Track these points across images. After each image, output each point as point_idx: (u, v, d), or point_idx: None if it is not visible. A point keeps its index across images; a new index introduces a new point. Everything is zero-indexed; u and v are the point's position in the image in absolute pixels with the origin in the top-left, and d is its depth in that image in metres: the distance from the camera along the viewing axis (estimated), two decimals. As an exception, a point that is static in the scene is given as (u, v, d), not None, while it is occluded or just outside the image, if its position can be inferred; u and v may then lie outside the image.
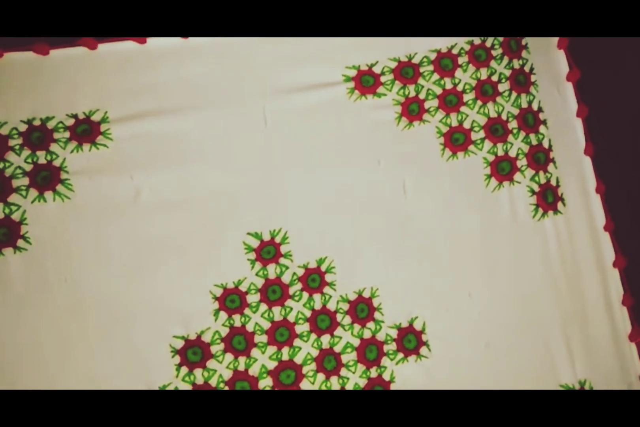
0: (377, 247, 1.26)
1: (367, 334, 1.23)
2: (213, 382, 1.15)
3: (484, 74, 1.35)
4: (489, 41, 1.36)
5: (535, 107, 1.36)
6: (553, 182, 1.35)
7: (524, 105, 1.36)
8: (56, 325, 1.12)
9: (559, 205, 1.35)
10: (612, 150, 1.41)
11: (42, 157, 1.16)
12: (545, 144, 1.36)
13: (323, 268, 1.23)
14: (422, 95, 1.32)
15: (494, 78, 1.35)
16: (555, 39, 1.41)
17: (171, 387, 1.14)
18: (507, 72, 1.35)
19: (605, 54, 1.45)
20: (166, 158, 1.20)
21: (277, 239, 1.23)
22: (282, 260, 1.23)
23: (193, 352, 1.15)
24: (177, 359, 1.15)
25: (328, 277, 1.24)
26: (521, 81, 1.36)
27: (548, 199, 1.34)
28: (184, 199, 1.19)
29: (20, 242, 1.13)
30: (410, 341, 1.24)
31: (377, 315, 1.24)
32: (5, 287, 1.10)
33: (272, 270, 1.22)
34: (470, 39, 1.35)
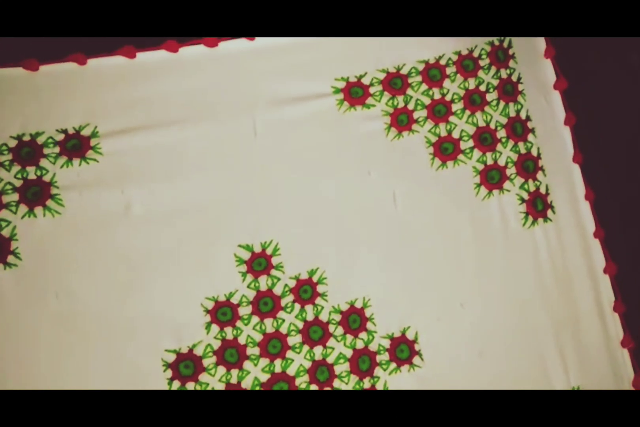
0: (369, 258, 1.28)
1: (359, 345, 1.24)
2: (206, 396, 1.16)
3: (472, 83, 1.37)
4: (477, 51, 1.39)
5: (523, 116, 1.39)
6: (542, 190, 1.37)
7: (512, 114, 1.38)
8: (48, 339, 1.13)
9: (549, 212, 1.37)
10: (600, 157, 1.44)
11: (32, 172, 1.17)
12: (534, 152, 1.38)
13: (315, 279, 1.25)
14: (410, 106, 1.35)
15: (482, 88, 1.38)
16: (542, 48, 1.44)
17: (164, 402, 1.15)
18: (495, 82, 1.38)
19: (591, 63, 1.48)
20: (156, 171, 1.22)
21: (268, 251, 1.24)
22: (273, 272, 1.24)
23: (185, 365, 1.16)
24: (169, 373, 1.16)
25: (320, 288, 1.25)
26: (509, 90, 1.38)
27: (538, 206, 1.36)
28: (175, 212, 1.21)
29: (10, 258, 1.14)
30: (403, 350, 1.26)
31: (369, 325, 1.26)
32: (-5, 306, 1.11)
33: (263, 282, 1.23)
34: (457, 49, 1.38)
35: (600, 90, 1.47)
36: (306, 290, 1.24)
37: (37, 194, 1.16)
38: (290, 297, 1.23)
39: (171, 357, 1.16)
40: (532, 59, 1.42)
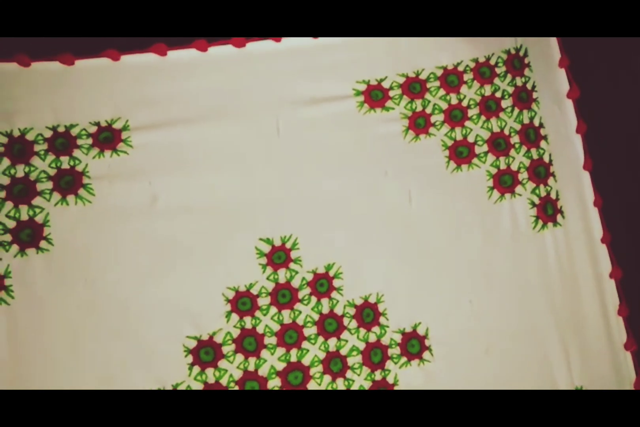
0: (383, 255, 1.36)
1: (372, 338, 1.32)
2: (224, 382, 1.24)
3: (488, 90, 1.45)
4: (493, 59, 1.47)
5: (536, 123, 1.46)
6: (553, 195, 1.44)
7: (526, 121, 1.46)
8: (74, 323, 1.20)
9: (559, 217, 1.44)
10: (609, 165, 1.51)
11: (65, 162, 1.25)
12: (546, 159, 1.46)
13: (331, 273, 1.33)
14: (428, 110, 1.43)
15: (498, 94, 1.45)
16: (557, 58, 1.52)
17: (183, 386, 1.22)
18: (510, 89, 1.46)
19: (603, 73, 1.56)
20: (183, 165, 1.29)
21: (288, 245, 1.32)
22: (292, 265, 1.32)
23: (205, 352, 1.24)
24: (190, 358, 1.23)
25: (336, 283, 1.33)
26: (523, 98, 1.46)
27: (548, 211, 1.44)
28: (200, 204, 1.29)
29: (42, 243, 1.21)
30: (414, 345, 1.33)
31: (382, 320, 1.33)
32: (27, 285, 1.18)
33: (282, 274, 1.31)
34: (475, 56, 1.46)
35: (611, 100, 1.54)
36: (322, 284, 1.31)
37: (69, 183, 1.24)
38: (307, 290, 1.31)
39: (192, 344, 1.24)
40: (547, 68, 1.50)
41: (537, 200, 1.43)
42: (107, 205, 1.24)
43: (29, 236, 1.20)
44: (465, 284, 1.37)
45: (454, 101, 1.43)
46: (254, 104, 1.34)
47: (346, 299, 1.32)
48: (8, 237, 1.19)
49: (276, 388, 1.26)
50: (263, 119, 1.34)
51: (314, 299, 1.30)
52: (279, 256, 1.30)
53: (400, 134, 1.40)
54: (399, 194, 1.38)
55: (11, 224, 1.20)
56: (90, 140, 1.26)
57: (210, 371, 1.23)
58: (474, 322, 1.36)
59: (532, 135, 1.44)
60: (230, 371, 1.25)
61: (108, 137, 1.27)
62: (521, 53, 1.47)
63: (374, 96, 1.40)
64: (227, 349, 1.25)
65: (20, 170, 1.22)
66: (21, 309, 1.17)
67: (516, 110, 1.45)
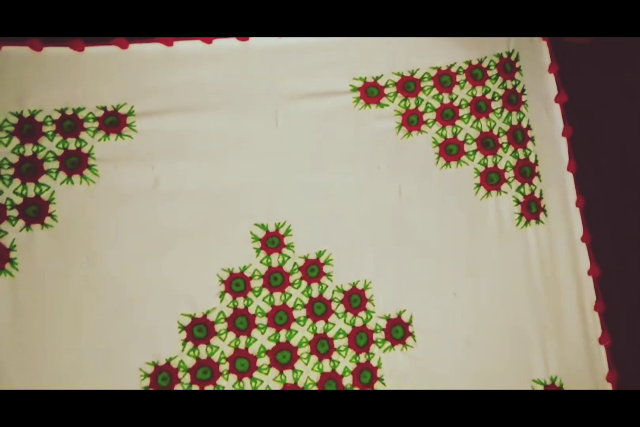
0: (372, 244, 1.47)
1: (358, 323, 1.43)
2: (215, 358, 1.34)
3: (479, 91, 1.57)
4: (486, 62, 1.60)
5: (524, 124, 1.59)
6: (537, 194, 1.57)
7: (514, 122, 1.58)
8: (74, 298, 1.30)
9: (541, 215, 1.57)
10: (593, 167, 1.64)
11: (72, 143, 1.35)
12: (532, 159, 1.59)
13: (322, 260, 1.44)
14: (421, 108, 1.55)
15: (488, 96, 1.58)
16: (547, 64, 1.64)
17: (176, 360, 1.33)
18: (501, 92, 1.58)
19: (591, 80, 1.69)
20: (184, 152, 1.40)
21: (281, 231, 1.43)
22: (284, 250, 1.43)
23: (199, 329, 1.34)
24: (184, 334, 1.34)
25: (326, 269, 1.44)
26: (513, 100, 1.59)
27: (532, 209, 1.56)
28: (199, 190, 1.39)
29: (47, 220, 1.32)
30: (398, 331, 1.44)
31: (368, 306, 1.44)
32: (31, 259, 1.28)
33: (275, 259, 1.42)
34: (468, 59, 1.59)
35: (598, 105, 1.67)
36: (313, 269, 1.42)
37: (75, 164, 1.34)
38: (298, 275, 1.42)
39: (186, 321, 1.34)
40: (537, 72, 1.62)
41: (521, 198, 1.55)
42: (110, 187, 1.35)
43: (35, 212, 1.30)
44: (451, 276, 1.49)
45: (446, 100, 1.55)
46: (255, 96, 1.45)
47: (335, 284, 1.43)
48: (15, 213, 1.29)
49: (265, 366, 1.37)
50: (263, 110, 1.45)
51: (304, 283, 1.42)
52: (272, 241, 1.41)
53: (394, 130, 1.52)
54: (389, 187, 1.49)
55: (18, 200, 1.30)
56: (96, 124, 1.37)
57: (202, 347, 1.34)
58: (457, 314, 1.48)
59: (519, 136, 1.57)
60: (221, 348, 1.35)
61: (114, 122, 1.37)
62: (513, 57, 1.60)
63: (370, 93, 1.52)
64: (220, 327, 1.35)
65: (28, 150, 1.32)
66: (25, 282, 1.27)
67: (505, 112, 1.57)
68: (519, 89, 1.59)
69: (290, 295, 1.41)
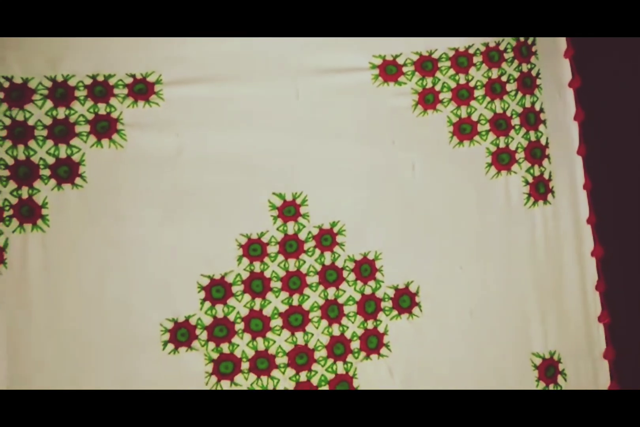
0: (384, 217, 1.57)
1: (368, 291, 1.54)
2: (231, 317, 1.46)
3: (495, 73, 1.66)
4: (503, 44, 1.68)
5: (537, 107, 1.67)
6: (546, 176, 1.66)
7: (528, 105, 1.67)
8: (100, 256, 1.41)
9: (549, 196, 1.66)
10: (602, 151, 1.72)
11: (102, 108, 1.46)
12: (543, 141, 1.67)
13: (335, 230, 1.54)
14: (438, 87, 1.64)
15: (504, 78, 1.66)
16: (563, 48, 1.72)
17: (194, 318, 1.44)
18: (516, 74, 1.67)
19: (605, 66, 1.77)
20: (209, 120, 1.50)
21: (298, 201, 1.54)
22: (300, 219, 1.53)
23: (217, 289, 1.46)
24: (203, 294, 1.45)
25: (339, 238, 1.55)
26: (527, 83, 1.67)
27: (540, 190, 1.66)
28: (221, 158, 1.49)
29: (77, 180, 1.42)
30: (405, 300, 1.55)
31: (378, 275, 1.55)
32: (61, 216, 1.39)
33: (291, 227, 1.52)
34: (486, 41, 1.67)
35: (610, 91, 1.75)
36: (327, 238, 1.53)
37: (105, 128, 1.44)
38: (312, 243, 1.53)
39: (205, 281, 1.46)
40: (552, 57, 1.70)
41: (530, 179, 1.64)
42: (137, 151, 1.45)
43: (66, 172, 1.41)
44: (458, 251, 1.59)
45: (462, 81, 1.64)
46: (279, 69, 1.55)
47: (347, 254, 1.54)
48: (47, 172, 1.40)
49: (277, 328, 1.48)
50: (285, 83, 1.55)
51: (317, 251, 1.52)
52: (289, 210, 1.52)
53: (410, 108, 1.61)
54: (403, 162, 1.59)
55: (50, 160, 1.41)
56: (125, 91, 1.47)
57: (219, 307, 1.45)
58: (462, 286, 1.58)
59: (532, 118, 1.65)
60: (237, 309, 1.47)
61: (142, 89, 1.47)
62: (529, 41, 1.68)
63: (389, 71, 1.60)
64: (237, 288, 1.47)
65: (61, 113, 1.42)
66: (55, 238, 1.38)
67: (519, 94, 1.66)
68: (534, 73, 1.67)
69: (304, 262, 1.51)
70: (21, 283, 1.36)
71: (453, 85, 1.63)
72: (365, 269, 1.54)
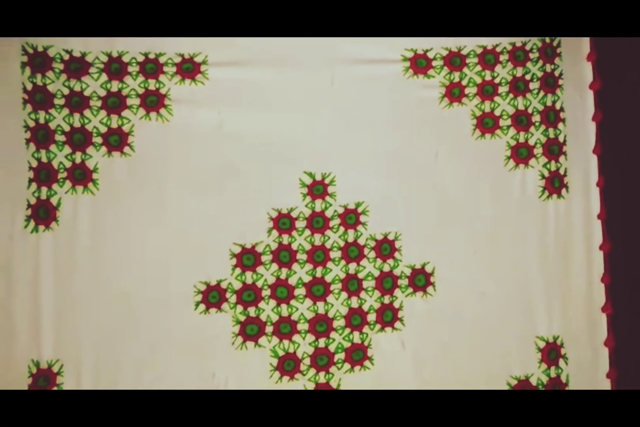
0: (406, 201, 1.73)
1: (386, 268, 1.71)
2: (259, 284, 1.63)
3: (519, 72, 1.82)
4: (529, 45, 1.84)
5: (558, 106, 1.83)
6: (561, 172, 1.82)
7: (549, 103, 1.83)
8: (142, 219, 1.58)
9: (563, 191, 1.82)
10: (617, 152, 1.87)
11: (152, 84, 1.63)
12: (561, 139, 1.83)
13: (359, 210, 1.72)
14: (464, 82, 1.80)
15: (528, 77, 1.82)
16: (586, 52, 1.88)
17: (225, 283, 1.62)
18: (539, 74, 1.83)
19: (625, 70, 1.93)
20: (249, 100, 1.66)
21: (327, 181, 1.71)
22: (327, 198, 1.71)
23: (247, 258, 1.63)
24: (234, 261, 1.63)
25: (362, 218, 1.72)
26: (550, 83, 1.83)
27: (555, 184, 1.82)
28: (259, 136, 1.66)
29: (126, 149, 1.60)
30: (420, 280, 1.72)
31: (397, 254, 1.72)
32: (110, 182, 1.57)
33: (318, 204, 1.70)
34: (513, 40, 1.83)
35: (628, 94, 1.90)
36: (351, 217, 1.70)
37: (153, 102, 1.62)
38: (337, 221, 1.70)
39: (237, 249, 1.63)
40: (575, 59, 1.85)
41: (546, 174, 1.80)
42: (181, 125, 1.62)
43: (116, 141, 1.59)
44: (473, 236, 1.75)
45: (488, 77, 1.80)
46: (317, 57, 1.71)
47: (369, 233, 1.71)
48: (99, 140, 1.58)
49: (301, 296, 1.65)
50: (322, 71, 1.71)
51: (342, 228, 1.69)
52: (318, 188, 1.69)
53: (437, 100, 1.77)
54: (427, 151, 1.75)
55: (103, 129, 1.59)
56: (174, 69, 1.64)
57: (249, 274, 1.63)
58: (475, 270, 1.74)
59: (552, 116, 1.81)
60: (265, 277, 1.64)
61: (189, 68, 1.64)
62: (555, 43, 1.84)
63: (419, 64, 1.77)
64: (265, 258, 1.64)
65: (114, 86, 1.60)
66: (103, 201, 1.56)
67: (541, 93, 1.82)
68: (557, 73, 1.83)
69: (329, 237, 1.69)
70: (70, 240, 1.53)
71: (479, 80, 1.79)
72: (385, 248, 1.71)
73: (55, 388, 1.51)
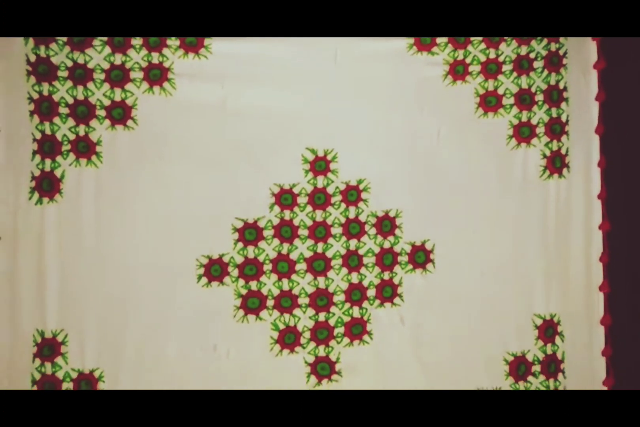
0: (408, 178, 1.77)
1: (386, 245, 1.76)
2: (261, 258, 1.68)
3: (524, 50, 1.84)
4: (534, 23, 1.87)
5: (561, 86, 1.86)
6: (563, 151, 1.86)
7: (552, 82, 1.86)
8: (146, 192, 1.62)
9: (564, 171, 1.86)
10: (619, 132, 1.91)
11: (155, 57, 1.65)
12: (563, 118, 1.87)
13: (361, 187, 1.76)
14: (468, 60, 1.83)
15: (532, 55, 1.85)
16: (591, 31, 1.91)
17: (228, 257, 1.67)
18: (544, 53, 1.85)
19: (629, 50, 1.96)
20: (251, 76, 1.69)
21: (329, 157, 1.74)
22: (329, 175, 1.74)
23: (249, 232, 1.67)
24: (236, 235, 1.67)
25: (364, 195, 1.76)
26: (554, 62, 1.86)
27: (556, 164, 1.86)
28: (261, 111, 1.69)
29: (129, 122, 1.63)
30: (420, 257, 1.77)
31: (397, 231, 1.77)
32: (113, 155, 1.60)
33: (320, 181, 1.73)
34: (518, 19, 1.85)
35: (632, 74, 1.94)
36: (352, 194, 1.74)
37: (157, 76, 1.65)
38: (339, 197, 1.74)
39: (239, 224, 1.67)
40: (580, 39, 1.89)
41: (548, 153, 1.84)
42: (185, 99, 1.65)
43: (119, 114, 1.62)
44: (473, 215, 1.80)
45: (492, 56, 1.83)
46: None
47: (370, 210, 1.75)
48: (103, 113, 1.61)
49: (302, 271, 1.70)
50: (325, 47, 1.74)
51: (343, 205, 1.74)
52: (320, 165, 1.73)
53: (440, 78, 1.80)
54: (429, 129, 1.79)
55: (106, 102, 1.62)
56: (177, 42, 1.66)
57: (251, 248, 1.68)
58: (474, 247, 1.79)
59: (555, 96, 1.85)
60: (267, 251, 1.69)
61: (192, 42, 1.67)
62: (560, 21, 1.87)
63: (423, 41, 1.79)
64: (267, 233, 1.69)
65: (118, 59, 1.62)
66: (106, 173, 1.59)
67: (545, 72, 1.85)
68: (561, 52, 1.86)
69: (330, 214, 1.73)
70: (75, 212, 1.57)
71: (483, 58, 1.81)
72: (386, 225, 1.76)
73: (59, 357, 1.56)
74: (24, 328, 1.53)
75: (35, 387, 1.53)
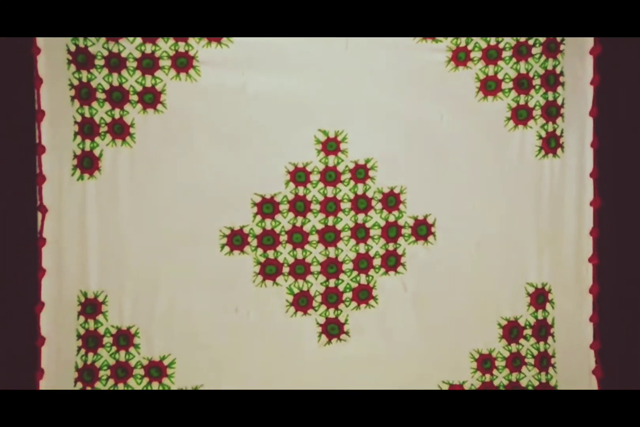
0: (412, 157, 2.02)
1: (391, 219, 2.02)
2: (277, 230, 1.95)
3: (523, 37, 2.08)
4: (533, 11, 2.09)
5: (558, 71, 2.07)
6: (558, 133, 2.08)
7: (550, 67, 2.06)
8: (176, 170, 1.89)
9: (559, 151, 2.08)
10: (612, 115, 2.09)
11: (182, 47, 1.91)
12: (559, 102, 2.08)
13: (369, 165, 2.02)
14: (470, 47, 2.06)
15: (530, 42, 2.06)
16: (589, 18, 2.13)
17: (247, 228, 1.95)
18: (542, 39, 2.06)
19: (627, 39, 2.16)
20: (270, 62, 1.93)
21: (339, 138, 2.01)
22: (340, 154, 2.01)
23: (267, 207, 1.95)
24: (255, 209, 1.95)
25: (371, 173, 2.02)
26: (552, 48, 2.08)
27: (551, 144, 2.09)
28: (278, 96, 1.94)
29: (159, 106, 1.90)
30: (422, 229, 2.04)
31: (401, 206, 2.03)
32: (145, 136, 1.87)
33: (331, 160, 2.00)
34: (518, 7, 2.07)
35: (627, 60, 2.13)
36: (361, 172, 2.01)
37: (183, 63, 1.91)
38: (348, 175, 2.00)
39: (258, 199, 1.95)
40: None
41: (544, 134, 2.07)
42: (208, 85, 1.91)
43: (150, 99, 1.89)
44: (472, 191, 2.04)
45: (493, 42, 2.05)
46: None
47: (377, 186, 2.02)
48: (135, 98, 1.88)
49: (314, 242, 1.98)
50: (337, 35, 1.98)
51: (352, 182, 2.00)
52: (331, 145, 1.99)
53: (443, 64, 2.04)
54: (433, 112, 2.03)
55: (138, 88, 1.88)
56: (202, 33, 1.92)
57: (268, 221, 1.95)
58: (473, 222, 2.04)
59: (552, 80, 2.06)
60: (282, 224, 1.96)
61: (215, 32, 1.92)
62: (558, 9, 2.09)
63: (428, 29, 2.03)
64: (283, 207, 1.96)
65: (148, 48, 1.88)
66: (139, 153, 1.87)
67: (543, 58, 2.06)
68: (558, 39, 2.07)
69: (340, 190, 2.00)
70: (112, 186, 1.85)
71: (484, 45, 2.03)
72: (391, 200, 2.02)
73: (100, 315, 1.86)
74: (70, 289, 1.83)
75: (80, 342, 1.84)
